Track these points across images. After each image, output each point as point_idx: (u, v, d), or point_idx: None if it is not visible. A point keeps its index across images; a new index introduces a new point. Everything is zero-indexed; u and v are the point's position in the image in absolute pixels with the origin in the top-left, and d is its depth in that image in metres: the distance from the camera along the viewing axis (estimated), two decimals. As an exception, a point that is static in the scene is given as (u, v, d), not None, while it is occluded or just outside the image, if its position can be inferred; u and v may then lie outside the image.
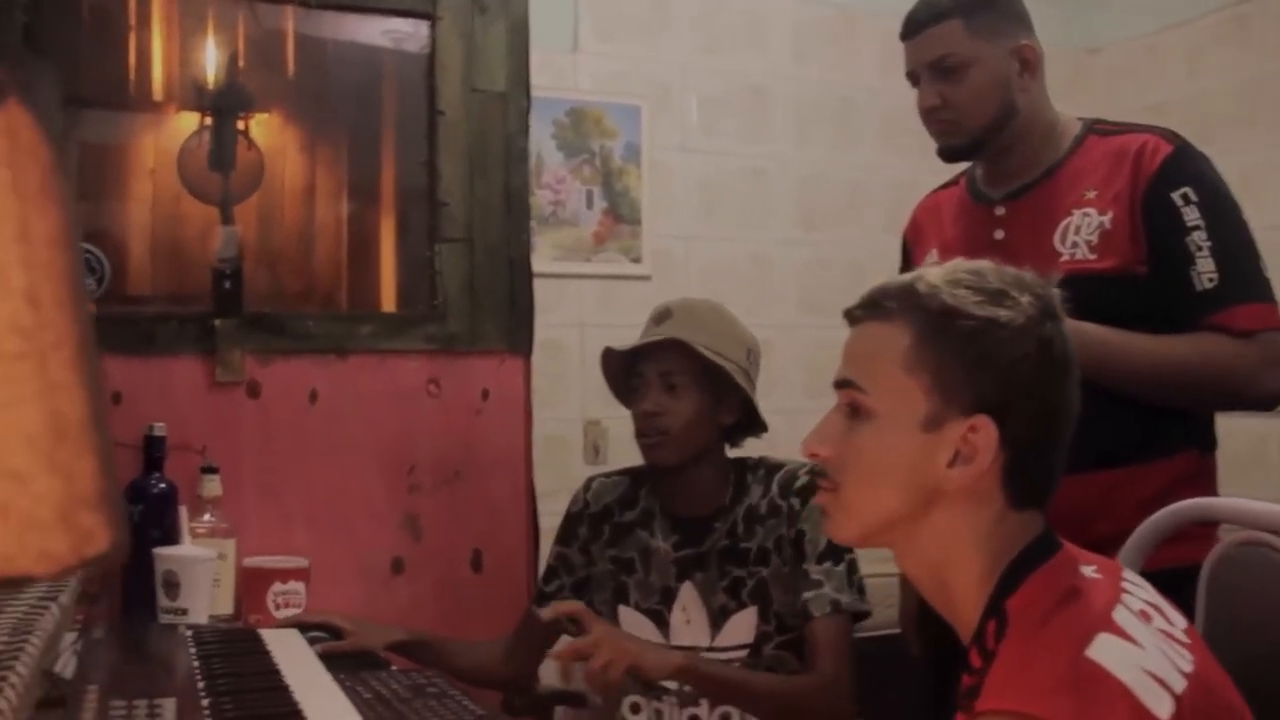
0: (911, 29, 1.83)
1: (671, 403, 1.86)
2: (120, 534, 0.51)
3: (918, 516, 1.11)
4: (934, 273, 1.14)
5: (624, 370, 1.95)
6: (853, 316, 1.18)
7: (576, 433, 3.30)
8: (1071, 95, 3.81)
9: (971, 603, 1.10)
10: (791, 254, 3.63)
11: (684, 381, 1.87)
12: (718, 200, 3.53)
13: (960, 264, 1.16)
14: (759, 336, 3.48)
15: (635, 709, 1.92)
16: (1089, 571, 1.10)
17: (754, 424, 1.95)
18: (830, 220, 3.68)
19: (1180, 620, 1.11)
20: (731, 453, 1.96)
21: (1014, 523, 1.11)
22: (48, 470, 0.46)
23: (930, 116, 1.83)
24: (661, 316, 1.93)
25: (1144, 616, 1.05)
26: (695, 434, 1.87)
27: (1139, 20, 3.83)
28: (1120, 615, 1.03)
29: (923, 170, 1.90)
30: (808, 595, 1.81)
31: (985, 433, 1.08)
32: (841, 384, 1.15)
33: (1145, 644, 1.00)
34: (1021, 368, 1.09)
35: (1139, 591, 1.10)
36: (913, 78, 1.84)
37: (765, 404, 3.43)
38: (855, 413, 1.14)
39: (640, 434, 1.89)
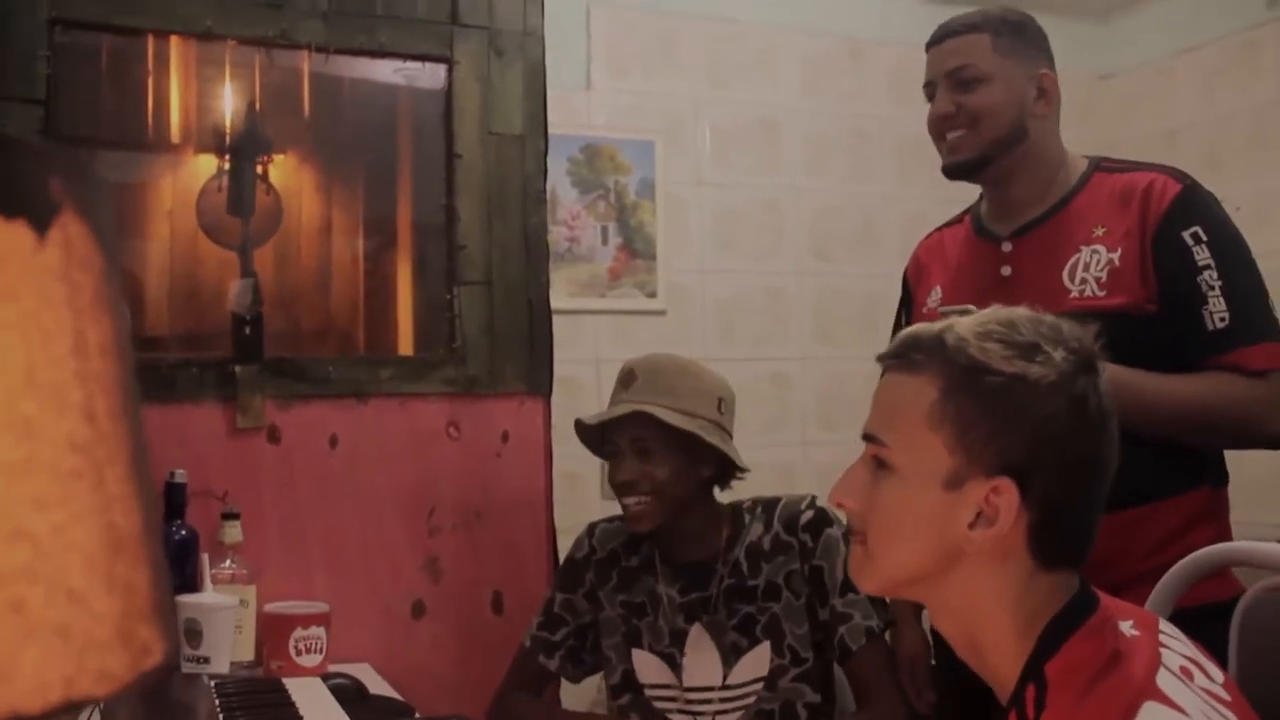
0: (939, 36, 1.84)
1: (647, 468, 1.86)
2: (174, 642, 0.51)
3: (942, 574, 1.10)
4: (965, 324, 1.11)
5: (598, 435, 1.95)
6: (883, 364, 1.16)
7: (593, 470, 3.29)
8: (1085, 121, 3.82)
9: (1006, 663, 1.08)
10: (806, 286, 3.63)
11: (656, 446, 1.86)
12: (732, 233, 3.54)
13: (995, 314, 1.12)
14: (775, 370, 3.53)
15: None
16: (1127, 628, 1.07)
17: (734, 470, 1.95)
18: (845, 251, 3.68)
19: (1218, 673, 1.08)
20: (725, 496, 1.97)
21: (1047, 582, 1.08)
22: (106, 587, 0.46)
23: (941, 124, 1.82)
24: (627, 380, 1.93)
25: (1185, 674, 1.03)
26: (675, 493, 1.87)
27: (1152, 46, 3.83)
28: (1163, 679, 1.00)
29: (937, 200, 1.90)
30: (842, 630, 1.85)
31: (1008, 495, 1.05)
32: (866, 437, 1.14)
33: (1191, 710, 0.97)
34: (1050, 426, 1.06)
35: (1177, 645, 1.08)
36: (930, 89, 1.84)
37: (781, 436, 3.46)
38: (880, 465, 1.12)
39: (621, 502, 1.90)
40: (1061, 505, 1.08)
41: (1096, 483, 1.10)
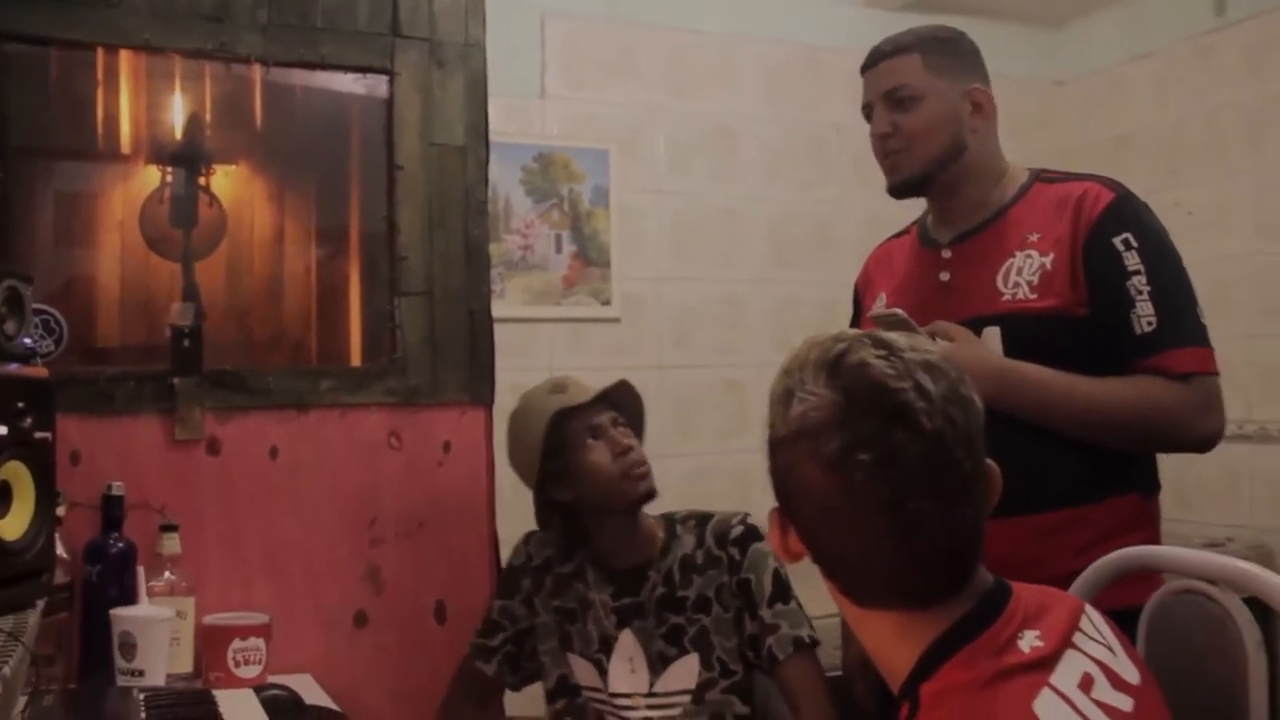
0: (871, 60, 1.89)
1: (637, 443, 1.97)
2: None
3: None
4: (798, 353, 1.10)
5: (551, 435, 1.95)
6: None
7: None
8: (1039, 127, 3.85)
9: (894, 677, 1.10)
10: (764, 293, 3.65)
11: (635, 427, 2.01)
12: (688, 241, 3.55)
13: (812, 350, 1.08)
14: (732, 376, 3.53)
15: None
16: (1027, 643, 1.03)
17: None
18: (802, 258, 3.70)
19: (1134, 673, 1.07)
20: (657, 507, 2.00)
21: (892, 622, 1.07)
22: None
23: (882, 144, 1.86)
24: (560, 387, 2.01)
25: (1085, 686, 1.01)
26: None
27: (1105, 52, 3.86)
28: (1043, 704, 0.97)
29: (894, 206, 1.92)
30: (769, 641, 1.87)
31: (793, 537, 1.09)
32: None
33: None
34: (784, 481, 1.07)
35: (1092, 647, 1.06)
36: (867, 110, 1.89)
37: (740, 442, 3.46)
38: None
39: (627, 473, 1.91)
40: (825, 552, 1.07)
41: (851, 532, 1.03)
